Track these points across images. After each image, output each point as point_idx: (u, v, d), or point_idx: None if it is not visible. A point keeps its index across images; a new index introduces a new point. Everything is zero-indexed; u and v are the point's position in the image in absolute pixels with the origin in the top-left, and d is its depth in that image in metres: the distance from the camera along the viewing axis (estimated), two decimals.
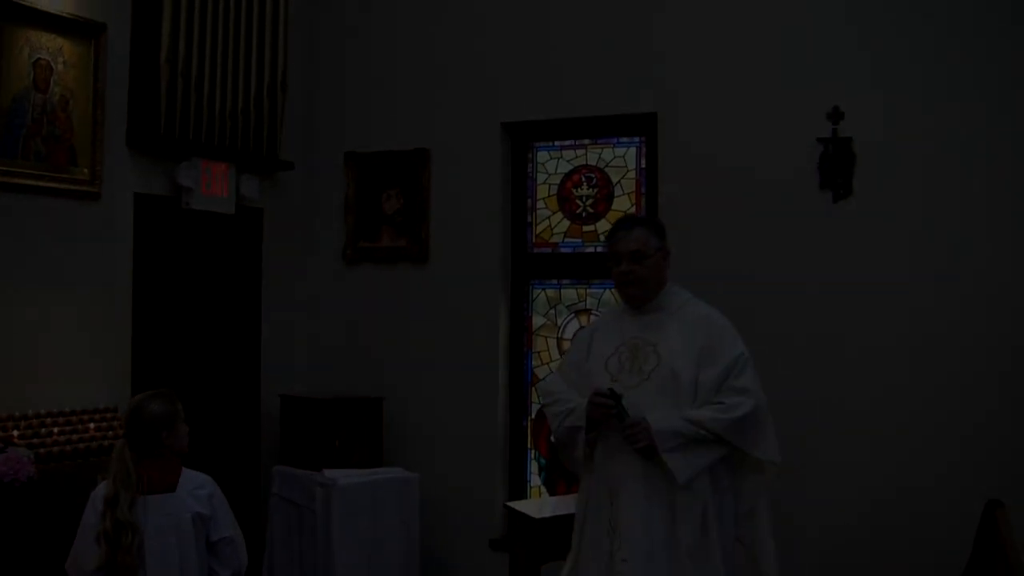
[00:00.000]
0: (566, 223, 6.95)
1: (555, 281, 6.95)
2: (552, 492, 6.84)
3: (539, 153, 7.04)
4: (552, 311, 6.96)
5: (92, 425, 5.47)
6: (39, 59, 5.53)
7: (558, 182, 6.98)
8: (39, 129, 5.54)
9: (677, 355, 4.45)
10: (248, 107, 6.63)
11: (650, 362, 4.49)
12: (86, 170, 5.77)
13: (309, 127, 7.38)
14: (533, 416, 6.91)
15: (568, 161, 6.96)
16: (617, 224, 4.80)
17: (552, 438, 4.84)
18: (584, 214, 6.89)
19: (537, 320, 7.00)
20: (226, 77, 6.46)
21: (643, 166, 6.71)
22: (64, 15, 5.63)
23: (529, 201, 7.03)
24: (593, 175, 6.89)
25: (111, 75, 5.92)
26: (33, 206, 5.53)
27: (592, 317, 6.71)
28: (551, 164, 7.01)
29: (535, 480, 6.96)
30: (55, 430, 5.30)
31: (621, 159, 6.82)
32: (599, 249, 6.76)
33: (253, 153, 6.69)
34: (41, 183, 5.54)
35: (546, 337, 6.97)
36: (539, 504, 6.08)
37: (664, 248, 4.60)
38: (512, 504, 5.90)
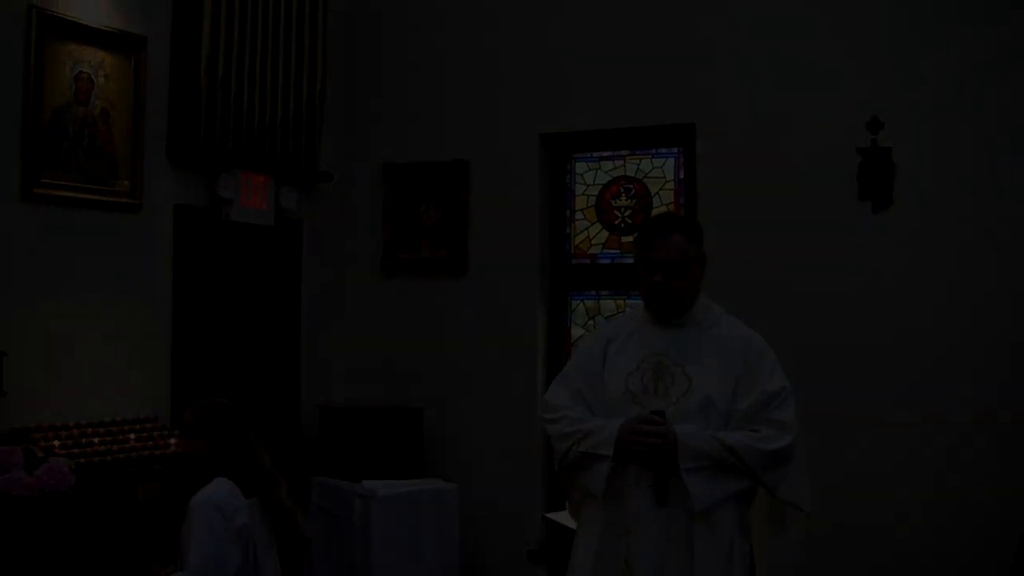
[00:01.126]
0: (605, 234, 6.94)
1: (594, 292, 6.94)
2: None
3: (577, 164, 7.03)
4: (591, 322, 6.94)
5: (132, 436, 5.50)
6: (80, 72, 5.58)
7: (597, 193, 6.97)
8: (80, 142, 5.58)
9: (711, 381, 3.96)
10: (287, 119, 6.65)
11: (679, 386, 3.98)
12: (127, 182, 5.81)
13: (348, 138, 7.40)
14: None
15: (606, 172, 6.95)
16: (651, 226, 4.21)
17: (557, 462, 4.15)
18: (623, 225, 6.87)
19: (576, 331, 6.98)
20: (265, 89, 6.49)
21: (681, 176, 6.69)
22: (105, 29, 5.68)
23: (568, 212, 7.03)
24: (632, 186, 6.87)
25: (151, 88, 5.96)
26: (74, 218, 5.58)
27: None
28: (589, 175, 7.00)
29: None
30: (96, 440, 5.33)
31: (659, 170, 6.80)
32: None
33: (292, 164, 6.72)
34: (82, 195, 5.58)
35: None
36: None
37: (702, 256, 4.11)
38: (551, 515, 5.88)
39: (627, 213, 6.87)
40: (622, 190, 6.90)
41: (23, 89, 5.32)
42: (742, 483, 3.90)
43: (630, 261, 6.72)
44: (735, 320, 4.22)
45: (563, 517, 5.76)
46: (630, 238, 6.81)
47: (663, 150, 6.80)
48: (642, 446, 3.84)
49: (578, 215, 7.01)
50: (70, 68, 5.53)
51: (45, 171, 5.41)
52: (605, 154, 6.96)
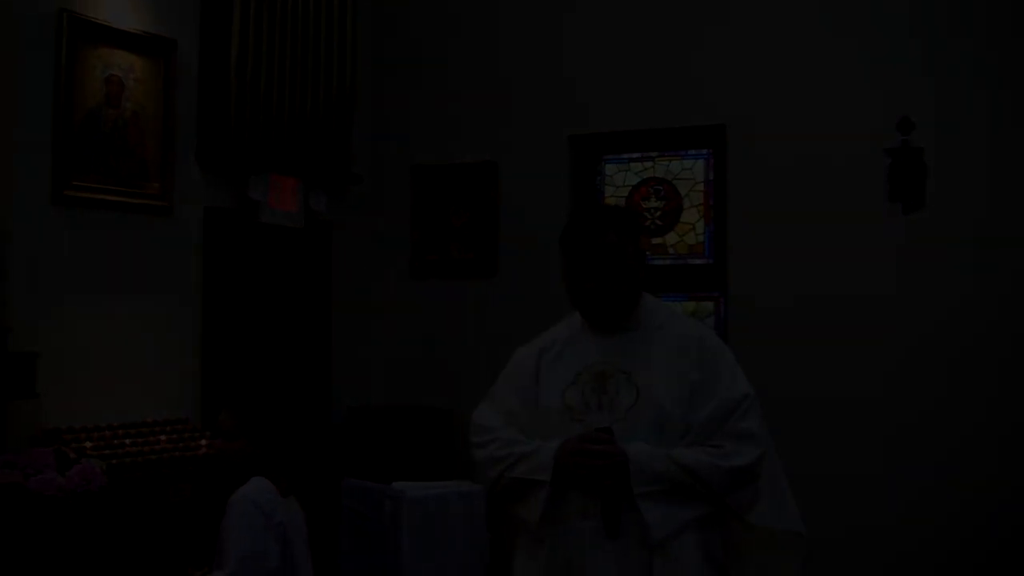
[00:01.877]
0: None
1: None
2: None
3: (607, 166, 7.01)
4: None
5: (163, 437, 5.51)
6: (111, 75, 5.60)
7: (626, 194, 6.95)
8: (111, 144, 5.60)
9: (662, 389, 3.44)
10: (317, 121, 6.67)
11: (625, 397, 3.45)
12: (157, 184, 5.83)
13: (377, 140, 7.41)
14: None
15: (636, 174, 6.94)
16: (578, 219, 3.71)
17: (487, 492, 3.74)
18: (653, 226, 6.85)
19: None
20: (295, 91, 6.51)
21: (711, 178, 6.68)
22: (135, 32, 5.70)
23: None
24: (661, 187, 6.86)
25: (181, 90, 5.98)
26: (105, 220, 5.60)
27: None
28: (619, 176, 6.99)
29: None
30: (127, 441, 5.35)
31: (689, 171, 6.78)
32: (667, 262, 6.74)
33: (322, 167, 6.73)
34: (113, 197, 5.60)
35: None
36: None
37: (641, 251, 3.64)
38: None
39: (657, 215, 6.85)
40: (652, 191, 6.89)
41: (54, 92, 5.34)
42: (704, 508, 3.40)
43: (660, 262, 6.74)
44: (685, 318, 3.94)
45: None
46: (660, 240, 6.80)
47: (693, 151, 6.78)
48: (587, 469, 3.34)
49: None
50: (101, 71, 5.56)
51: (76, 174, 5.43)
52: (635, 155, 6.95)
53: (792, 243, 6.14)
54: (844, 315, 6.00)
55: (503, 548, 3.92)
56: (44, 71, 5.32)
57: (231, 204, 6.29)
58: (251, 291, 6.48)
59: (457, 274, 7.20)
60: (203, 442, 5.55)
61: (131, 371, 5.69)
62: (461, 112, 7.21)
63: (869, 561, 5.90)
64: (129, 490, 5.06)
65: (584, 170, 6.99)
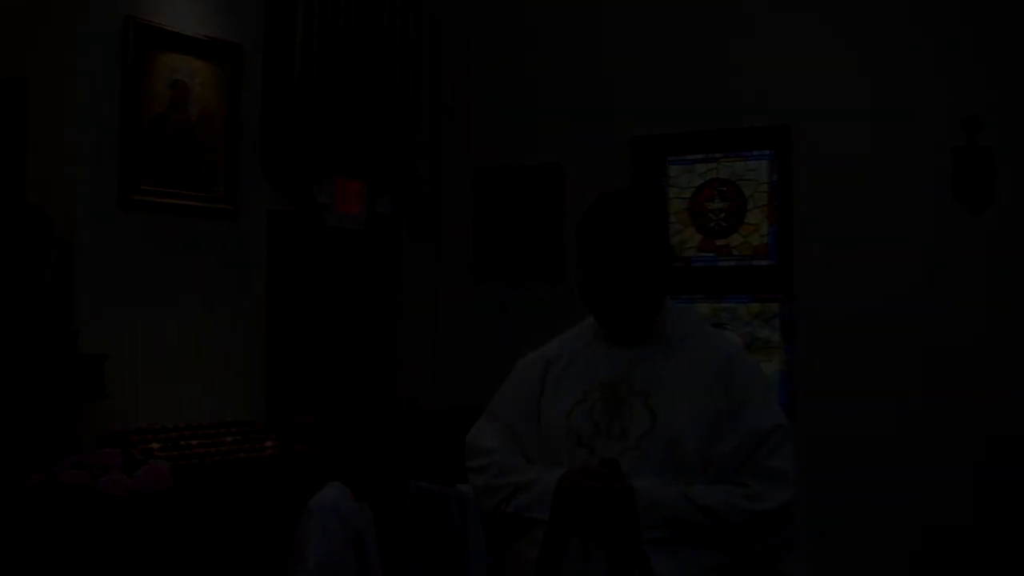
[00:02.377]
0: (698, 237, 6.88)
1: (687, 296, 6.87)
2: None
3: (671, 167, 6.98)
4: None
5: (229, 438, 5.56)
6: (177, 81, 5.66)
7: (690, 196, 6.92)
8: (177, 149, 5.66)
9: (683, 416, 2.95)
10: (382, 124, 6.69)
11: (639, 423, 2.96)
12: (222, 188, 5.88)
13: (441, 143, 7.42)
14: None
15: (700, 175, 6.90)
16: (599, 209, 3.12)
17: (486, 521, 3.20)
18: (717, 228, 6.81)
19: None
20: (359, 94, 6.54)
21: (775, 178, 6.63)
22: (200, 37, 5.76)
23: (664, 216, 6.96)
24: (725, 188, 6.82)
25: (246, 95, 6.03)
26: (172, 224, 5.66)
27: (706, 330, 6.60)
28: (683, 178, 6.95)
29: None
30: (193, 443, 5.39)
31: (753, 172, 6.74)
32: (732, 263, 6.70)
33: (387, 169, 6.76)
34: (179, 202, 5.66)
35: None
36: None
37: (670, 247, 3.17)
38: None
39: (721, 216, 6.81)
40: (716, 193, 6.85)
41: (121, 98, 5.41)
42: (725, 557, 2.90)
43: (725, 264, 6.69)
44: (714, 331, 3.37)
45: None
46: (725, 240, 6.76)
47: (757, 152, 6.73)
48: (587, 510, 2.87)
49: (671, 218, 6.96)
50: (166, 77, 5.62)
51: (143, 178, 5.49)
52: (698, 156, 6.91)
53: (857, 243, 6.08)
54: (909, 316, 5.92)
55: None
56: (111, 77, 5.40)
57: (296, 207, 6.34)
58: (315, 293, 6.51)
59: (521, 277, 7.19)
60: (268, 444, 5.59)
61: (197, 373, 5.74)
62: (525, 114, 7.19)
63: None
64: (195, 491, 5.10)
65: (648, 172, 6.96)
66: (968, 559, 5.74)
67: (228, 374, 5.91)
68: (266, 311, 6.17)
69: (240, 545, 5.20)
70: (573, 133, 7.00)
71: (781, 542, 2.95)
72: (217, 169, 5.87)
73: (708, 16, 6.62)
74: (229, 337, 5.94)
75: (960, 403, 5.80)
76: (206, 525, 5.09)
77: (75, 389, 5.03)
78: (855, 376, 5.97)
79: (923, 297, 5.92)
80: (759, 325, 6.58)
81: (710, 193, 6.86)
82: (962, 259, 5.86)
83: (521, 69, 7.23)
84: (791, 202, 6.42)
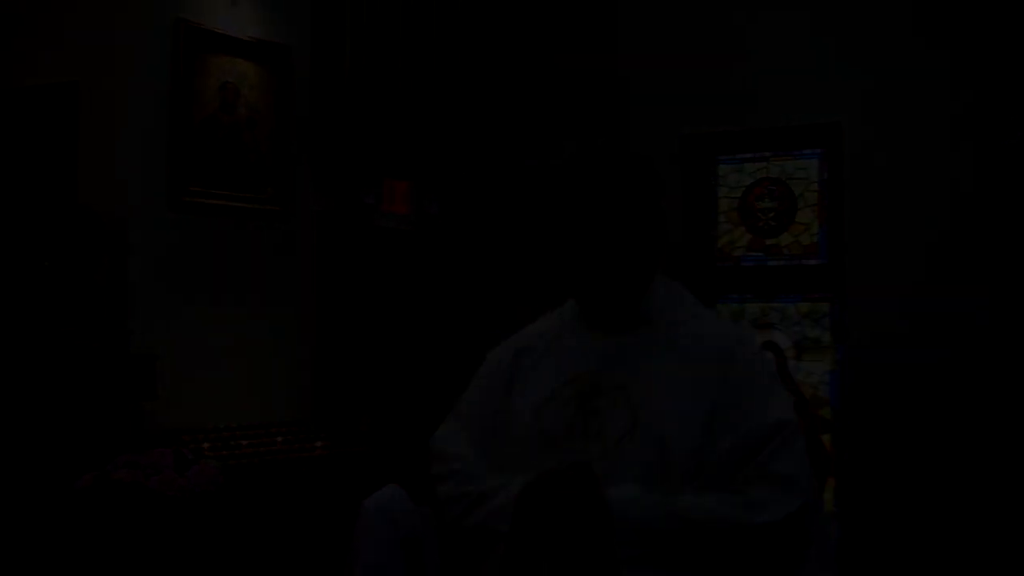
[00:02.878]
0: (748, 236, 6.84)
1: (736, 296, 6.84)
2: None
3: (720, 166, 6.94)
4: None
5: (279, 438, 5.58)
6: (226, 83, 5.69)
7: (740, 195, 6.88)
8: (227, 151, 5.69)
9: (670, 413, 2.54)
10: (429, 124, 6.71)
11: (618, 422, 2.55)
12: (271, 189, 5.91)
13: (487, 143, 7.40)
14: None
15: (749, 174, 6.86)
16: (578, 167, 2.75)
17: (451, 534, 2.84)
18: (767, 227, 6.77)
19: None
20: (407, 95, 6.55)
21: (825, 177, 6.58)
22: (249, 39, 5.79)
23: (712, 215, 6.94)
24: (775, 187, 6.77)
25: (295, 96, 6.05)
26: (221, 225, 5.68)
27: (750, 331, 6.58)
28: (733, 177, 6.91)
29: None
30: (244, 443, 5.42)
31: (804, 171, 6.69)
32: (782, 263, 6.66)
33: (434, 170, 6.77)
34: (228, 203, 5.69)
35: None
36: None
37: (662, 216, 2.71)
38: None
39: (771, 215, 6.77)
40: (766, 192, 6.80)
41: (171, 100, 5.45)
42: None
43: (774, 264, 6.65)
44: (710, 314, 2.91)
45: None
46: (775, 240, 6.71)
47: (807, 151, 6.69)
48: (554, 521, 2.46)
49: (720, 217, 6.93)
50: (216, 79, 5.65)
51: (193, 180, 5.52)
52: (748, 155, 6.86)
53: (907, 243, 6.03)
54: (960, 316, 5.87)
55: None
56: (161, 80, 5.43)
57: (344, 208, 6.35)
58: (365, 294, 6.52)
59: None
60: (318, 444, 5.60)
61: (247, 373, 5.77)
62: (572, 113, 7.17)
63: None
64: (245, 491, 5.12)
65: (697, 171, 6.93)
66: None
67: (278, 374, 5.93)
68: (316, 311, 6.19)
69: (289, 546, 5.21)
70: (623, 131, 6.97)
71: (790, 561, 2.51)
72: (266, 170, 5.89)
73: (755, 12, 6.58)
74: (279, 337, 5.96)
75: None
76: (256, 525, 5.11)
77: (127, 389, 5.07)
78: (907, 378, 5.91)
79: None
80: (809, 325, 6.53)
81: (760, 192, 6.82)
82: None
83: (570, 68, 7.18)
84: (841, 201, 6.37)
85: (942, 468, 5.80)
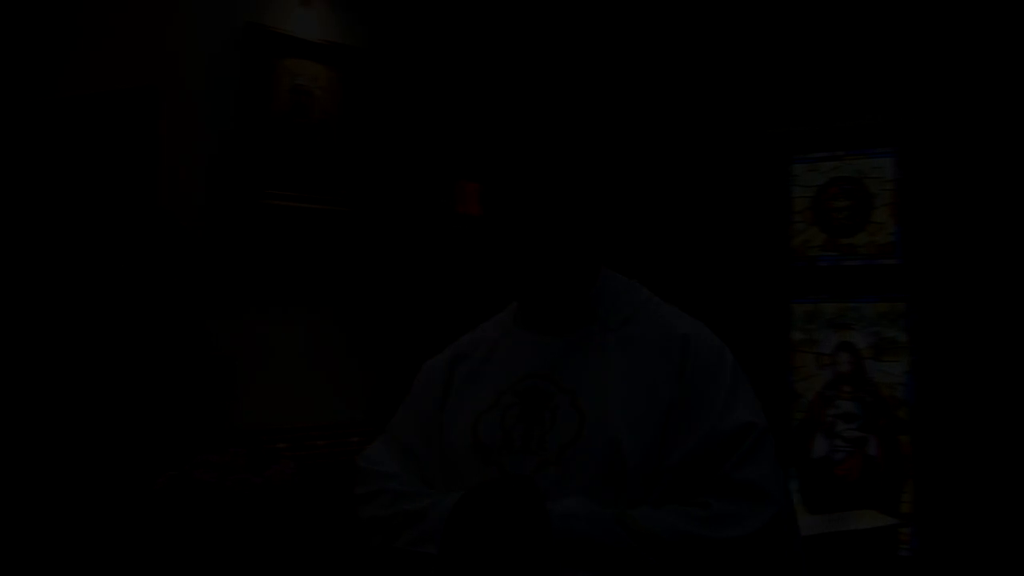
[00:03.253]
0: (823, 236, 6.79)
1: (812, 296, 6.78)
2: (814, 510, 6.66)
3: (795, 165, 6.89)
4: (810, 326, 6.79)
5: (354, 438, 5.59)
6: (298, 85, 5.72)
7: (814, 195, 6.82)
8: (300, 153, 5.72)
9: (617, 415, 2.28)
10: (501, 125, 6.67)
11: (564, 428, 2.30)
12: (344, 192, 5.93)
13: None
14: (793, 430, 6.76)
15: (823, 173, 6.81)
16: (513, 141, 2.46)
17: (374, 561, 2.54)
18: (841, 227, 6.71)
19: (794, 335, 6.85)
20: (481, 96, 6.55)
21: (901, 176, 6.51)
22: (321, 43, 5.82)
23: (788, 214, 6.89)
24: (850, 186, 6.71)
25: (367, 98, 6.08)
26: (295, 227, 5.72)
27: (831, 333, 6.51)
28: (808, 176, 6.86)
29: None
30: (320, 443, 5.43)
31: (879, 169, 6.63)
32: (857, 263, 6.59)
33: None
34: (302, 205, 5.72)
35: (806, 353, 6.82)
36: (801, 523, 5.91)
37: (605, 195, 2.45)
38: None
39: (845, 215, 6.71)
40: (841, 191, 6.74)
41: (244, 104, 5.49)
42: None
43: (850, 264, 6.59)
44: (664, 307, 2.55)
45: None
46: (850, 240, 6.65)
47: (882, 149, 6.62)
48: (488, 540, 2.20)
49: (795, 217, 6.88)
50: (288, 82, 5.68)
51: (268, 184, 5.55)
52: (823, 154, 6.81)
53: (985, 242, 5.95)
54: None
55: None
56: (233, 83, 5.48)
57: (417, 210, 6.37)
58: (436, 295, 6.53)
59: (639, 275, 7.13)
60: None
61: (323, 373, 5.80)
62: (646, 110, 7.16)
63: None
64: (321, 490, 5.14)
65: (772, 170, 6.88)
66: None
67: (354, 375, 5.95)
68: (388, 313, 6.21)
69: (365, 544, 5.22)
70: (697, 129, 6.96)
71: None
72: (339, 173, 5.91)
73: (831, 11, 6.54)
74: (354, 338, 5.99)
75: None
76: (331, 524, 5.12)
77: (207, 389, 5.11)
78: (987, 381, 5.83)
79: None
80: (886, 326, 6.47)
81: (834, 191, 6.76)
82: None
83: (646, 65, 7.19)
84: (918, 200, 6.30)
85: (1022, 471, 5.72)
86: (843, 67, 6.47)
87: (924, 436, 6.14)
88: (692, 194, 6.99)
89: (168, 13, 5.47)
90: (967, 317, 5.97)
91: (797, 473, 6.75)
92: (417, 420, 2.62)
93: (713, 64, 6.95)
